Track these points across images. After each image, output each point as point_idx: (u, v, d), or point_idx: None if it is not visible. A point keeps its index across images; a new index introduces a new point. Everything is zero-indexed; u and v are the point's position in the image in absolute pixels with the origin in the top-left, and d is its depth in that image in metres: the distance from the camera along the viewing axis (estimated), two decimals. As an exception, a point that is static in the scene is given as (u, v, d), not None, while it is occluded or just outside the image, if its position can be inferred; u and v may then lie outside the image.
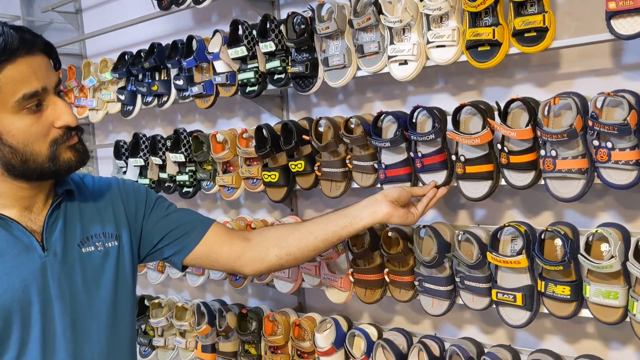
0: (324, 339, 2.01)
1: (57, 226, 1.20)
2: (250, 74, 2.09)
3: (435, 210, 2.03)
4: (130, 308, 1.31)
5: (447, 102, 1.94)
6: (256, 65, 2.10)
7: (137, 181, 2.54)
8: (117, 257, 1.27)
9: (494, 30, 1.59)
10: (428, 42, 1.71)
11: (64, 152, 1.12)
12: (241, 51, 2.08)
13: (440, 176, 1.74)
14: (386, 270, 1.88)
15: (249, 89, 2.13)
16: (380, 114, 1.84)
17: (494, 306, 1.71)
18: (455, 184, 1.73)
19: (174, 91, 2.38)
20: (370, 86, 2.15)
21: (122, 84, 2.59)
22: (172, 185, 2.43)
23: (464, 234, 1.72)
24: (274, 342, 2.15)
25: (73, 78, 2.76)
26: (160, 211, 1.42)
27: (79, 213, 1.25)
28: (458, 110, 1.70)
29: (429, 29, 1.71)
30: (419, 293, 1.83)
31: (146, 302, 2.61)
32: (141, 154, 2.49)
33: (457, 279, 1.74)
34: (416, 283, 1.82)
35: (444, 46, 1.70)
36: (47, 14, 3.28)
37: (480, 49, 1.64)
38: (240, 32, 2.12)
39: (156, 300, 2.56)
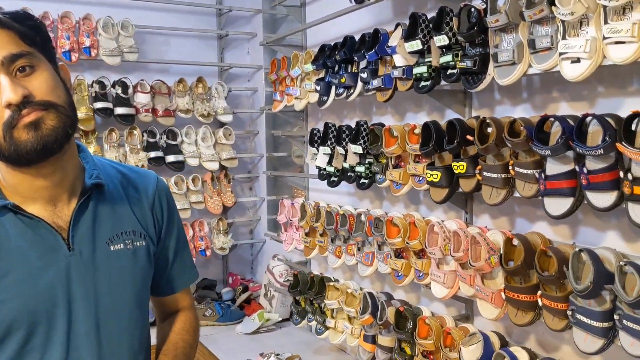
0: (470, 353, 1.89)
1: (85, 222, 1.13)
2: (424, 69, 2.03)
3: (617, 234, 1.74)
4: (147, 311, 1.25)
5: (641, 107, 1.63)
6: (431, 59, 2.03)
7: (325, 169, 2.66)
8: (145, 258, 1.20)
9: (683, 23, 1.30)
10: (604, 38, 1.47)
11: (20, 133, 1.00)
12: (416, 45, 2.03)
13: (609, 197, 1.49)
14: (539, 292, 1.68)
15: (422, 83, 2.07)
16: (544, 117, 1.64)
17: (661, 357, 1.42)
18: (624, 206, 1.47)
19: (359, 84, 2.43)
20: (557, 85, 1.92)
21: (321, 75, 2.72)
22: (352, 175, 2.50)
23: (625, 265, 1.45)
24: (424, 346, 2.09)
25: (285, 68, 2.98)
26: (170, 244, 1.31)
27: (110, 208, 1.17)
28: (632, 118, 1.43)
29: (605, 22, 1.46)
30: (571, 324, 1.61)
31: (325, 283, 2.74)
32: (329, 142, 2.60)
33: (616, 317, 1.48)
34: (569, 313, 1.59)
35: (623, 43, 1.44)
36: (285, 8, 3.58)
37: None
38: (418, 25, 2.07)
39: (332, 283, 2.67)
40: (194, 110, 3.62)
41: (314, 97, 2.78)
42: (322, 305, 2.76)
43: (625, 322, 1.45)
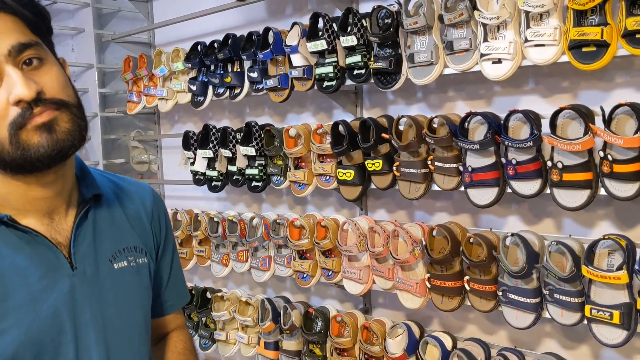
0: (396, 344, 1.95)
1: (87, 238, 1.00)
2: (329, 69, 2.04)
3: (518, 218, 1.94)
4: (150, 333, 1.13)
5: (537, 105, 1.84)
6: (335, 59, 2.04)
7: (205, 173, 2.52)
8: (147, 276, 1.09)
9: (602, 30, 1.50)
10: (526, 41, 1.62)
11: (31, 136, 0.87)
12: (321, 45, 2.03)
13: (534, 185, 1.65)
14: (466, 277, 1.80)
15: (326, 83, 2.07)
16: (469, 114, 1.76)
17: (585, 322, 1.61)
18: (549, 192, 1.64)
19: (247, 84, 2.35)
20: (452, 85, 2.07)
21: (193, 74, 2.56)
22: (240, 178, 2.40)
23: (556, 244, 1.63)
24: (341, 344, 2.10)
25: (144, 67, 2.75)
26: (167, 259, 1.20)
27: (110, 222, 1.06)
28: (556, 113, 1.60)
29: (527, 26, 1.62)
30: (501, 304, 1.75)
31: (208, 295, 2.59)
32: (211, 145, 2.46)
33: (545, 292, 1.66)
34: (499, 293, 1.74)
35: (543, 45, 1.61)
36: (116, 2, 3.30)
37: (584, 49, 1.55)
38: (321, 25, 2.07)
39: (219, 294, 2.54)
40: (18, 114, 3.15)
41: (184, 98, 2.61)
42: (205, 318, 2.61)
43: (556, 295, 1.63)
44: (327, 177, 2.12)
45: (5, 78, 0.86)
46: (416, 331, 2.00)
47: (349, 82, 2.06)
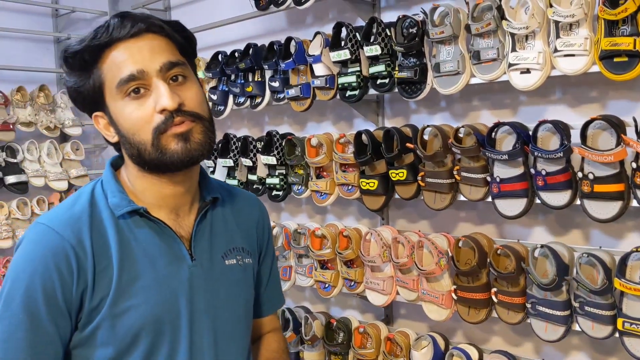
0: (422, 356, 1.93)
1: (205, 235, 1.13)
2: (352, 78, 2.03)
3: (544, 229, 1.91)
4: (250, 326, 1.24)
5: (564, 115, 1.82)
6: (357, 69, 2.03)
7: (225, 182, 2.51)
8: (251, 276, 1.21)
9: (635, 40, 1.48)
10: (556, 51, 1.61)
11: (169, 142, 1.01)
12: (344, 54, 2.02)
13: (564, 196, 1.63)
14: (494, 289, 1.78)
15: (349, 93, 2.07)
16: (497, 124, 1.75)
17: (616, 335, 1.59)
18: (579, 203, 1.63)
19: (268, 93, 2.34)
20: (477, 94, 2.05)
21: (213, 83, 2.57)
22: (260, 187, 2.39)
23: (587, 256, 1.61)
24: (364, 356, 2.08)
25: (163, 76, 2.75)
26: (267, 263, 1.31)
27: (224, 222, 1.18)
28: (587, 124, 1.59)
29: (557, 36, 1.61)
30: (530, 316, 1.73)
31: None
32: (231, 154, 2.46)
33: (576, 304, 1.63)
34: (528, 305, 1.71)
35: (573, 55, 1.60)
36: (134, 11, 3.31)
37: (616, 59, 1.53)
38: (344, 34, 2.06)
39: (238, 304, 2.53)
40: (37, 122, 3.16)
41: (204, 107, 2.61)
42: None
43: (587, 308, 1.60)
44: (350, 187, 2.11)
45: (154, 89, 1.01)
46: (441, 343, 1.98)
47: (371, 91, 2.05)
